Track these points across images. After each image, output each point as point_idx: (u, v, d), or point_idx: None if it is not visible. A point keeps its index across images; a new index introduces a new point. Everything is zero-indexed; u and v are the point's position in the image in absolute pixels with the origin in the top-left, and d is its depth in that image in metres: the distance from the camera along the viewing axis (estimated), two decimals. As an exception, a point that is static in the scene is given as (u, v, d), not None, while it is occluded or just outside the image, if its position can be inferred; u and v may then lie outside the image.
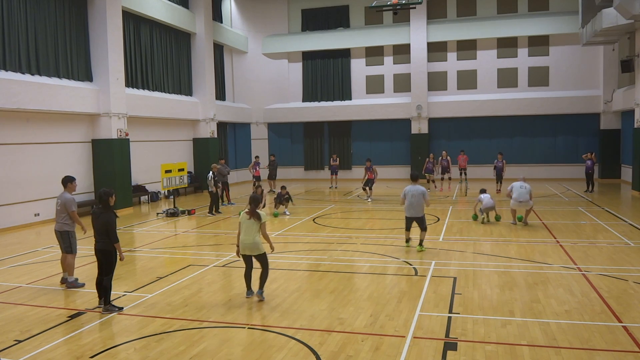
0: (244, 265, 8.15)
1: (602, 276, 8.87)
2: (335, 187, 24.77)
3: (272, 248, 8.15)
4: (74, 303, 8.07)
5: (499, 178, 21.28)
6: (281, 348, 6.14)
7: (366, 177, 19.88)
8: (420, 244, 11.14)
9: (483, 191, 15.02)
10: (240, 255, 8.08)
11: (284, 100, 30.51)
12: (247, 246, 7.85)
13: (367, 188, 19.88)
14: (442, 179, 23.45)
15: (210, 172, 17.38)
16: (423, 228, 11.13)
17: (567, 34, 25.96)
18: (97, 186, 17.94)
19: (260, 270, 8.04)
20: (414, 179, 11.41)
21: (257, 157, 24.05)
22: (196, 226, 15.15)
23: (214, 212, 17.14)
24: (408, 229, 11.40)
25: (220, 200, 19.74)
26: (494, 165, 21.61)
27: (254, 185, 22.56)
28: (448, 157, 23.42)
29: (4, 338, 6.64)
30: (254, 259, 8.03)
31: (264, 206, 17.04)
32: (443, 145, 28.17)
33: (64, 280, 8.98)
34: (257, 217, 7.87)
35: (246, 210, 8.00)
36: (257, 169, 22.88)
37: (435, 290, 8.22)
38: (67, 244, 8.86)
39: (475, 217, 14.84)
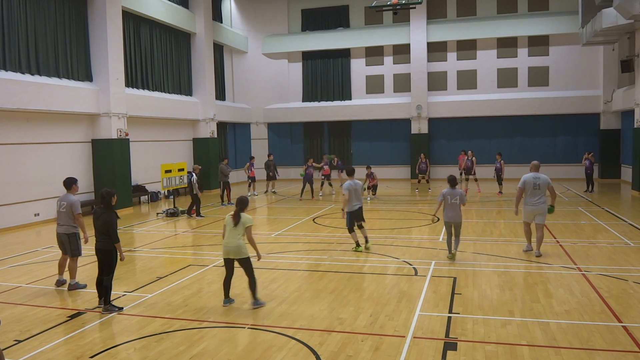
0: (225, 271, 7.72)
1: (602, 276, 8.87)
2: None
3: (258, 256, 7.67)
4: (74, 303, 8.07)
5: (499, 179, 21.19)
6: (281, 348, 6.14)
7: (368, 183, 20.32)
8: (367, 241, 11.38)
9: (452, 180, 10.33)
10: (223, 259, 7.67)
11: (284, 100, 30.51)
12: (231, 249, 7.46)
13: (370, 191, 20.47)
14: (467, 179, 22.11)
15: (194, 175, 16.76)
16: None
17: (567, 34, 25.97)
18: (97, 186, 17.94)
19: (246, 279, 7.62)
20: (351, 173, 11.41)
21: (252, 157, 23.39)
22: (196, 226, 15.15)
23: (201, 214, 16.71)
24: (352, 229, 11.28)
25: (220, 200, 19.70)
26: (495, 166, 21.49)
27: (249, 185, 22.37)
28: (473, 158, 21.87)
29: (4, 338, 6.63)
30: (236, 265, 7.59)
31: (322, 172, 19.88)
32: (444, 145, 28.23)
33: (59, 283, 8.96)
34: (241, 221, 7.47)
35: (232, 213, 7.64)
36: (253, 169, 22.30)
37: (435, 290, 8.22)
38: (75, 246, 8.82)
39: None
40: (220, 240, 12.63)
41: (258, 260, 7.69)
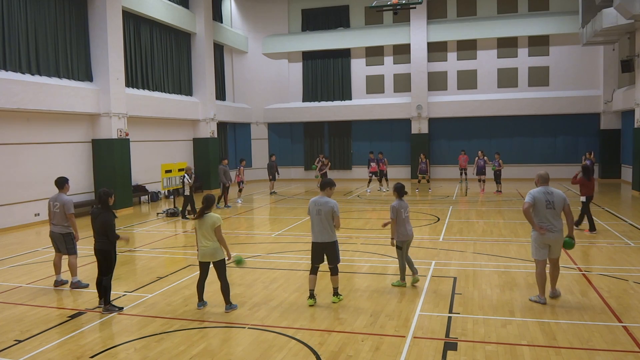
0: (199, 274, 7.63)
1: (602, 276, 8.87)
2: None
3: (228, 256, 7.43)
4: (74, 303, 8.07)
5: (497, 178, 21.30)
6: (281, 348, 6.14)
7: (378, 169, 22.15)
8: (336, 293, 7.80)
9: (400, 190, 8.37)
10: (198, 262, 7.54)
11: (284, 100, 30.51)
12: (207, 252, 7.31)
13: (383, 179, 22.39)
14: (480, 180, 21.81)
15: (186, 175, 16.40)
16: (333, 265, 7.64)
17: (567, 34, 25.97)
18: (97, 186, 17.94)
19: (219, 283, 7.45)
20: (324, 187, 7.71)
21: (242, 160, 20.88)
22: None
23: (187, 215, 16.53)
24: (314, 270, 7.67)
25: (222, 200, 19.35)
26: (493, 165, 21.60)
27: (239, 190, 20.60)
28: (485, 157, 21.56)
29: (4, 338, 6.64)
30: (211, 267, 7.46)
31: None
32: (444, 145, 28.22)
33: (58, 283, 8.97)
34: (210, 221, 7.28)
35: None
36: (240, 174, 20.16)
37: (435, 290, 8.22)
38: (71, 245, 8.86)
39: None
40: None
41: (228, 260, 7.50)
